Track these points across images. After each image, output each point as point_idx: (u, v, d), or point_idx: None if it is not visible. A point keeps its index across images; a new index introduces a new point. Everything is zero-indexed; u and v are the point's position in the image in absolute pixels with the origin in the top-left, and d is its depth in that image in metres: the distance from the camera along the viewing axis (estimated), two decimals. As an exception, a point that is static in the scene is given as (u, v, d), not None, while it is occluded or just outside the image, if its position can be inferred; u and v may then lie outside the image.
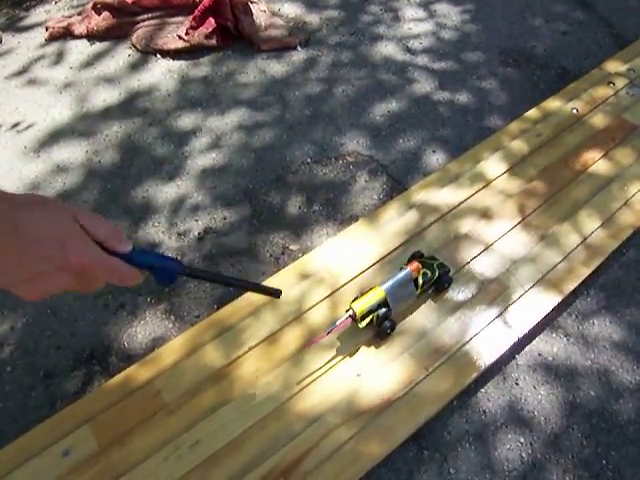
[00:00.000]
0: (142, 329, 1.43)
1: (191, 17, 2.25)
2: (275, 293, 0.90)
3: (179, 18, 2.37)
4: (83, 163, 1.87)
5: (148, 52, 2.29)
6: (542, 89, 2.19)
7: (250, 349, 1.29)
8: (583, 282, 1.45)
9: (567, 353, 1.36)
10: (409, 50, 2.41)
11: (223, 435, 1.16)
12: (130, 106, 2.08)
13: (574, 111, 1.92)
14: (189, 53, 2.29)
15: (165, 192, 1.77)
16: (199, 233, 1.66)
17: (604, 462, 1.19)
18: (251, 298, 1.39)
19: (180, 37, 2.26)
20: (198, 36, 2.25)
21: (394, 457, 1.19)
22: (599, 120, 1.88)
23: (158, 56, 2.28)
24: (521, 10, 2.65)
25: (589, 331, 1.41)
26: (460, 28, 2.56)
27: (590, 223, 1.54)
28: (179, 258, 1.59)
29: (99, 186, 1.79)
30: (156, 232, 1.65)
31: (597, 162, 1.73)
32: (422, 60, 2.35)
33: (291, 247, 1.63)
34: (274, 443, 1.15)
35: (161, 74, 2.21)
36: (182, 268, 0.69)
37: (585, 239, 1.50)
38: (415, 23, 2.57)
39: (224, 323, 1.34)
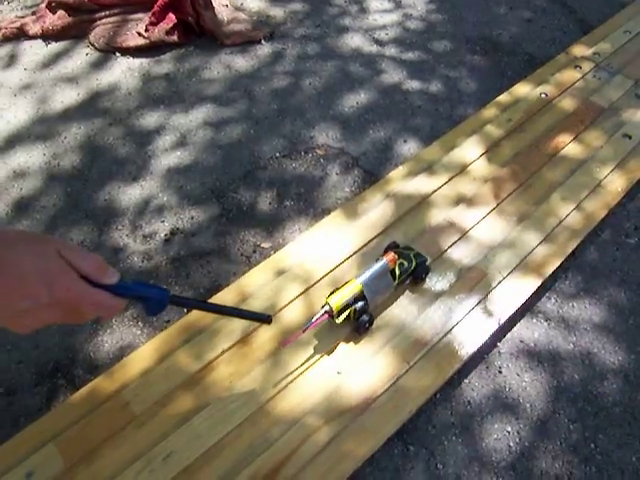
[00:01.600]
0: (109, 338, 1.35)
1: (150, 13, 2.16)
2: (265, 319, 0.92)
3: (138, 15, 2.27)
4: (41, 167, 1.76)
5: (107, 51, 2.18)
6: (510, 76, 2.17)
7: (223, 352, 1.22)
8: (560, 265, 1.43)
9: (549, 338, 1.33)
10: (376, 41, 2.36)
11: (198, 445, 1.09)
12: (90, 107, 1.98)
13: (543, 95, 1.90)
14: (150, 50, 2.20)
15: (128, 194, 1.68)
16: (166, 235, 1.58)
17: (592, 446, 1.16)
18: (223, 299, 1.32)
19: (140, 34, 2.16)
20: (158, 32, 2.17)
21: (379, 456, 1.14)
22: (568, 104, 1.87)
23: (117, 54, 2.18)
24: (485, 0, 2.64)
25: (569, 314, 1.38)
26: (426, 18, 2.53)
27: (565, 206, 1.52)
28: (145, 262, 1.51)
29: (59, 190, 1.69)
30: (120, 236, 1.57)
31: (568, 145, 1.72)
32: (389, 51, 2.31)
33: (263, 245, 1.56)
34: (252, 450, 1.08)
35: (121, 73, 2.11)
36: (168, 297, 0.69)
37: (561, 222, 1.48)
38: (381, 14, 2.53)
39: (195, 326, 1.26)
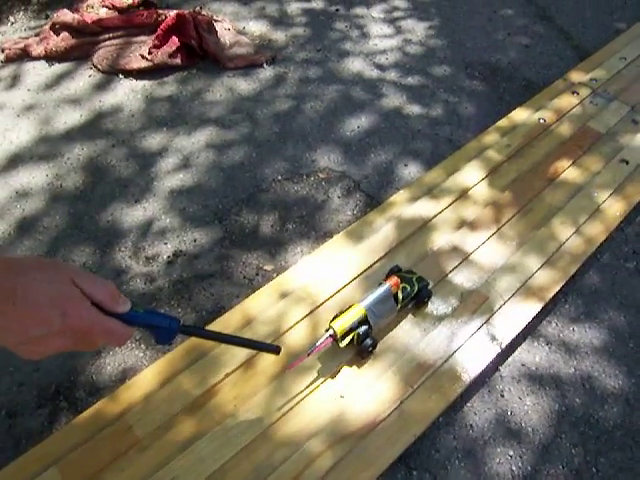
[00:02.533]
0: (111, 360, 1.37)
1: (154, 36, 2.23)
2: (274, 350, 0.96)
3: (142, 37, 2.35)
4: (44, 188, 1.80)
5: (110, 72, 2.25)
6: (508, 101, 2.25)
7: (227, 376, 1.25)
8: (561, 289, 1.47)
9: (550, 362, 1.37)
10: (377, 65, 2.44)
11: (201, 469, 1.11)
12: (93, 128, 2.03)
13: (541, 121, 1.97)
14: (153, 73, 2.27)
15: (131, 215, 1.72)
16: (168, 257, 1.61)
17: (594, 470, 1.18)
18: (227, 321, 1.35)
19: (143, 56, 2.23)
20: (162, 55, 2.23)
21: (382, 480, 1.16)
22: (566, 129, 1.94)
23: (121, 76, 2.25)
24: (484, 25, 2.73)
25: (570, 338, 1.42)
26: (425, 43, 2.61)
27: (564, 230, 1.57)
28: (148, 284, 1.54)
29: (61, 211, 1.73)
30: (123, 257, 1.60)
31: (567, 170, 1.77)
32: (390, 75, 2.39)
33: (265, 267, 1.60)
34: (256, 475, 1.10)
35: (124, 94, 2.18)
36: (178, 326, 0.71)
37: (561, 246, 1.53)
38: (381, 39, 2.61)
39: (198, 349, 1.29)
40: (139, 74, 2.25)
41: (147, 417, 1.17)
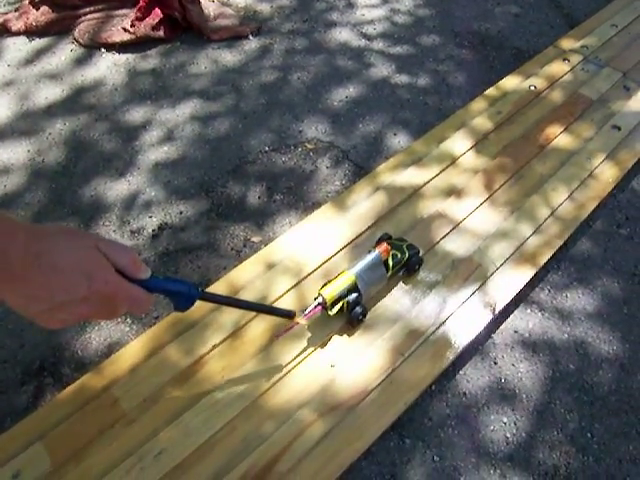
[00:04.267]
0: (96, 335, 1.32)
1: (136, 8, 2.12)
2: (289, 314, 1.03)
3: (123, 10, 2.24)
4: (25, 164, 1.72)
5: (92, 46, 2.15)
6: (498, 69, 2.17)
7: (214, 347, 1.19)
8: (553, 256, 1.42)
9: (543, 328, 1.33)
10: (364, 36, 2.35)
11: (189, 442, 1.06)
12: (74, 103, 1.94)
13: (532, 88, 1.90)
14: (135, 46, 2.17)
15: (115, 189, 1.65)
16: (154, 230, 1.55)
17: (589, 435, 1.15)
18: (214, 292, 1.29)
19: (125, 29, 2.13)
20: (144, 28, 2.13)
21: (374, 449, 1.12)
22: (557, 96, 1.87)
23: (103, 50, 2.15)
24: (473, -6, 2.64)
25: (563, 304, 1.38)
26: (414, 13, 2.52)
27: (557, 196, 1.52)
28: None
29: (43, 187, 1.65)
30: (107, 231, 1.53)
31: (558, 137, 1.71)
32: (378, 45, 2.30)
33: (253, 239, 1.54)
34: (246, 446, 1.06)
35: (107, 68, 2.08)
36: (198, 292, 0.72)
37: (553, 212, 1.48)
38: (369, 9, 2.52)
39: (185, 321, 1.24)
40: (121, 47, 2.15)
41: (133, 390, 1.12)
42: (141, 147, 1.79)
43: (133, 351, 1.19)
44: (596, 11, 2.38)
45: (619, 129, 1.72)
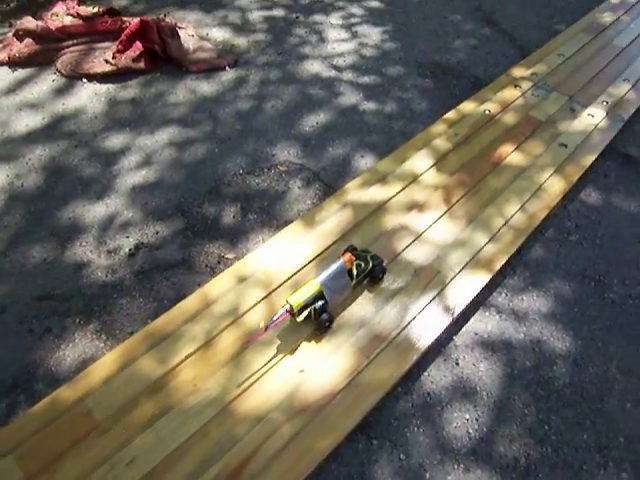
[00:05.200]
0: (71, 352, 1.31)
1: (118, 41, 2.18)
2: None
3: (105, 44, 2.30)
4: (4, 188, 1.73)
5: (73, 77, 2.19)
6: (458, 96, 2.26)
7: (187, 357, 1.20)
8: (509, 262, 1.48)
9: (501, 329, 1.37)
10: (334, 67, 2.44)
11: (162, 448, 1.06)
12: (55, 130, 1.96)
13: (487, 112, 1.99)
14: (116, 76, 2.22)
15: (93, 212, 1.67)
16: (130, 249, 1.56)
17: (546, 427, 1.18)
18: (187, 306, 1.31)
19: (107, 61, 2.18)
20: (125, 59, 2.19)
21: (343, 451, 1.13)
22: (509, 118, 1.96)
23: (84, 80, 2.19)
24: (435, 29, 2.77)
25: (519, 307, 1.42)
26: (380, 46, 2.63)
27: (510, 207, 1.58)
28: (109, 276, 1.48)
29: (22, 210, 1.66)
30: (84, 252, 1.54)
31: (511, 154, 1.79)
32: (347, 76, 2.39)
33: (227, 256, 1.56)
34: (217, 449, 1.06)
35: (87, 97, 2.12)
36: None
37: (507, 222, 1.54)
38: (339, 43, 2.62)
39: (159, 333, 1.24)
40: (102, 78, 2.20)
41: (107, 401, 1.12)
42: (119, 171, 1.81)
43: (107, 363, 1.19)
44: (545, 42, 2.52)
45: (566, 146, 1.81)
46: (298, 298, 1.18)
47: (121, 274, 1.49)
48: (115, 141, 1.94)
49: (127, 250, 1.56)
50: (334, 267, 1.24)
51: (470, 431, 1.18)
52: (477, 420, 1.19)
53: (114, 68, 2.20)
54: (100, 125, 2.00)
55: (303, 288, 1.20)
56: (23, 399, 1.21)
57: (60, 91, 2.14)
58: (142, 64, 2.24)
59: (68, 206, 1.68)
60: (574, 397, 1.23)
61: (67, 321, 1.37)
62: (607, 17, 2.70)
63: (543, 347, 1.33)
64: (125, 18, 2.41)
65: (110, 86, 2.19)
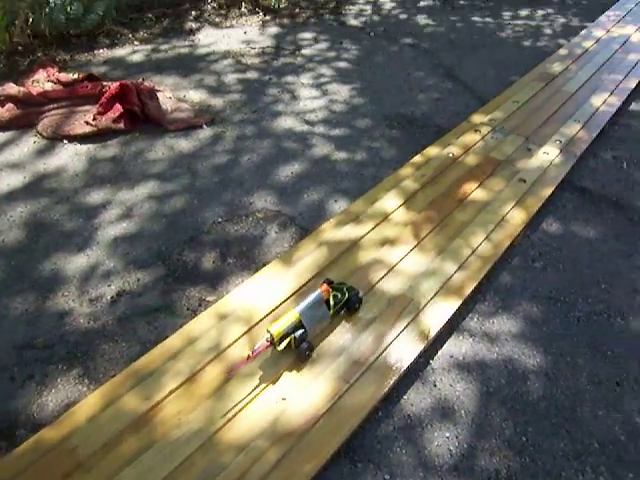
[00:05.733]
0: (54, 397, 1.36)
1: (98, 104, 2.37)
2: None
3: (86, 107, 2.49)
4: (-14, 246, 1.83)
5: (54, 138, 2.35)
6: (423, 143, 2.48)
7: (171, 392, 1.27)
8: (479, 289, 1.61)
9: (475, 351, 1.47)
10: (307, 122, 2.66)
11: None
12: (36, 188, 2.09)
13: (450, 155, 2.20)
14: (97, 137, 2.39)
15: (75, 263, 1.76)
16: (112, 297, 1.65)
17: (524, 439, 1.26)
18: (170, 345, 1.39)
19: (88, 122, 2.36)
20: (106, 120, 2.37)
21: (329, 475, 1.19)
22: (471, 159, 2.17)
23: (65, 141, 2.35)
24: (400, 85, 3.06)
25: (490, 329, 1.54)
26: (350, 102, 2.88)
27: (476, 238, 1.73)
28: (91, 323, 1.56)
29: (3, 264, 1.75)
30: (66, 301, 1.63)
31: (474, 191, 1.98)
32: (319, 129, 2.61)
33: (208, 298, 1.66)
34: (204, 478, 1.11)
35: (68, 157, 2.27)
36: None
37: (474, 251, 1.68)
38: (310, 100, 2.87)
39: (142, 371, 1.32)
40: (83, 139, 2.37)
41: (92, 437, 1.17)
42: (100, 224, 1.93)
43: (91, 402, 1.25)
44: (501, 92, 2.81)
45: (525, 181, 2.01)
46: (278, 327, 1.28)
47: (103, 320, 1.57)
48: (96, 196, 2.07)
49: (109, 298, 1.64)
50: (312, 297, 1.35)
51: (451, 448, 1.25)
52: (457, 437, 1.27)
53: (95, 129, 2.38)
54: (81, 182, 2.14)
55: (283, 318, 1.30)
56: (4, 445, 1.25)
57: (41, 152, 2.29)
58: (122, 124, 2.43)
59: (50, 258, 1.78)
60: (548, 409, 1.33)
61: (49, 368, 1.43)
62: (556, 67, 3.03)
63: (515, 365, 1.44)
64: (105, 83, 2.62)
65: (90, 146, 2.36)
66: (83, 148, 2.34)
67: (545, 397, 1.35)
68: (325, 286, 1.39)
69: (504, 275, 1.72)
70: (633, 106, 2.83)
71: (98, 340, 1.51)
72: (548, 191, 1.97)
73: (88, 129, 2.37)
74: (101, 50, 3.31)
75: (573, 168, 2.15)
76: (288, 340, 1.29)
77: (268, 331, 1.28)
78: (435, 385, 1.39)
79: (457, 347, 1.48)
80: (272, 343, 1.28)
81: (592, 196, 2.10)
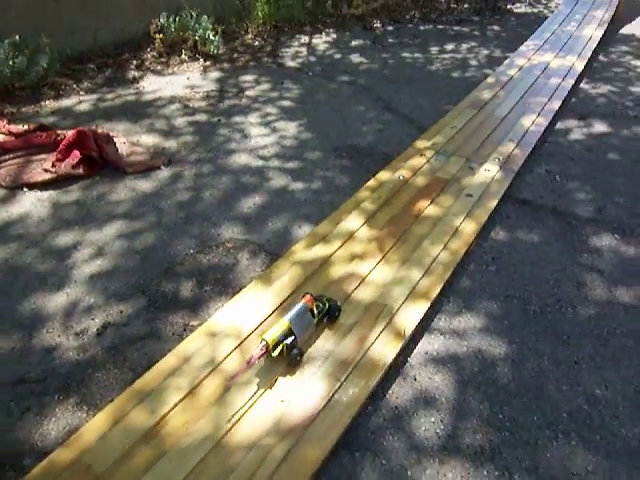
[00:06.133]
0: (54, 425, 1.43)
1: (56, 151, 2.47)
2: None
3: (42, 156, 2.58)
4: (-45, 295, 1.87)
5: (14, 187, 2.42)
6: (372, 170, 2.75)
7: (175, 405, 1.38)
8: (443, 293, 1.84)
9: (446, 346, 1.69)
10: (261, 157, 2.88)
11: (165, 487, 1.21)
12: (2, 235, 2.15)
13: (401, 177, 2.47)
14: (57, 183, 2.48)
15: (54, 301, 1.84)
16: (97, 329, 1.74)
17: (501, 416, 1.47)
18: (165, 365, 1.50)
19: (46, 170, 2.45)
20: (65, 167, 2.47)
21: (331, 466, 1.34)
22: (421, 180, 2.46)
23: (25, 189, 2.42)
24: (343, 119, 3.36)
25: (458, 327, 1.76)
26: (298, 137, 3.14)
27: (435, 248, 1.98)
28: (81, 355, 1.64)
29: (-21, 310, 1.80)
30: (52, 337, 1.70)
31: (428, 208, 2.25)
32: (273, 163, 2.83)
33: (192, 323, 1.79)
34: (218, 479, 1.22)
35: (31, 204, 2.35)
36: None
37: (434, 259, 1.93)
38: (261, 137, 3.10)
39: (144, 390, 1.42)
40: (43, 186, 2.45)
41: (104, 454, 1.26)
42: (74, 264, 2.02)
43: (99, 422, 1.34)
44: (438, 120, 3.17)
45: (471, 196, 2.31)
46: (272, 334, 1.43)
47: (92, 352, 1.65)
48: (65, 239, 2.16)
49: (94, 330, 1.73)
50: (298, 307, 1.53)
51: (438, 431, 1.44)
52: (442, 421, 1.46)
53: (54, 176, 2.47)
54: (48, 226, 2.22)
55: (275, 326, 1.46)
56: (12, 476, 1.30)
57: (2, 201, 2.35)
58: (81, 170, 2.54)
59: (28, 299, 1.84)
60: (519, 389, 1.55)
61: (46, 399, 1.50)
62: (486, 94, 3.46)
63: (484, 355, 1.66)
64: (59, 131, 2.73)
65: (52, 192, 2.45)
66: (44, 195, 2.42)
67: (514, 380, 1.58)
68: (309, 296, 1.57)
69: (463, 279, 1.97)
70: (559, 125, 3.29)
71: (90, 369, 1.59)
72: (493, 203, 2.27)
73: (48, 176, 2.46)
74: (47, 101, 3.41)
75: (512, 182, 2.49)
76: (281, 347, 1.45)
77: (263, 339, 1.43)
78: (415, 379, 1.58)
79: (430, 344, 1.69)
80: (267, 350, 1.43)
81: (532, 206, 2.44)
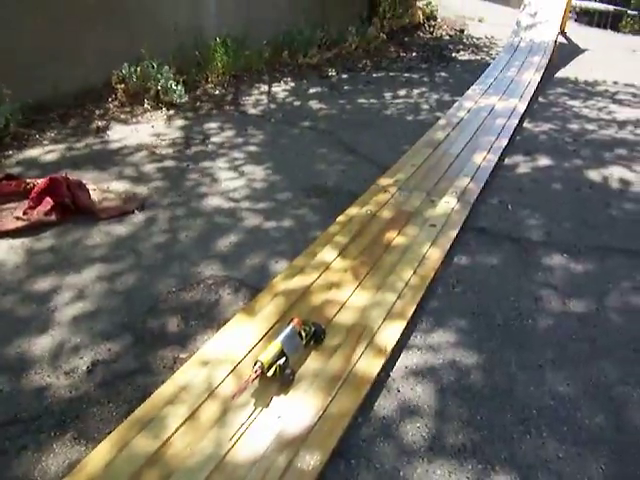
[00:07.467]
0: (53, 461, 1.50)
1: (29, 199, 2.58)
2: None
3: (12, 204, 2.67)
4: None
5: (-16, 237, 2.49)
6: (341, 207, 2.98)
7: (177, 429, 1.49)
8: (415, 313, 2.04)
9: (424, 360, 1.88)
10: (232, 199, 3.07)
11: (174, 504, 1.31)
12: (-24, 285, 2.22)
13: (368, 212, 2.71)
14: (29, 231, 2.56)
15: (40, 343, 1.92)
16: (87, 367, 1.82)
17: (479, 418, 1.66)
18: (163, 392, 1.61)
19: (18, 218, 2.54)
20: (37, 214, 2.57)
21: (329, 474, 1.47)
22: (387, 214, 2.70)
23: (-3, 238, 2.50)
24: (308, 162, 3.62)
25: (432, 342, 1.96)
26: (267, 179, 3.36)
27: (405, 274, 2.20)
28: (73, 392, 1.73)
29: (-37, 357, 1.85)
30: (41, 377, 1.77)
31: (396, 238, 2.48)
32: (245, 205, 3.02)
33: (181, 356, 1.90)
34: (225, 492, 1.34)
35: (4, 252, 2.42)
36: None
37: (406, 284, 2.14)
38: (231, 181, 3.30)
39: (144, 419, 1.52)
40: (15, 233, 2.53)
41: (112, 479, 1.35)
42: (56, 307, 2.11)
43: (103, 451, 1.43)
44: (398, 159, 3.47)
45: (435, 226, 2.56)
46: (267, 355, 1.58)
47: (85, 388, 1.74)
48: (43, 284, 2.24)
49: (84, 368, 1.82)
50: (288, 329, 1.69)
51: (423, 434, 1.60)
52: (426, 426, 1.63)
53: (26, 223, 2.57)
54: (24, 273, 2.30)
55: (268, 348, 1.61)
56: (18, 511, 1.37)
57: (-25, 250, 2.42)
58: (54, 217, 2.64)
59: (12, 343, 1.91)
60: (492, 392, 1.75)
61: (42, 436, 1.57)
62: (440, 134, 3.83)
63: (459, 365, 1.86)
64: (29, 180, 2.84)
65: (25, 240, 2.53)
66: (17, 242, 2.51)
67: (487, 385, 1.78)
68: (297, 319, 1.73)
69: (433, 300, 2.18)
70: (507, 160, 3.67)
71: (84, 405, 1.68)
72: (454, 232, 2.53)
73: (20, 224, 2.55)
74: (11, 152, 3.50)
75: (470, 213, 2.77)
76: (275, 368, 1.60)
77: (258, 360, 1.57)
78: (399, 391, 1.75)
79: (409, 359, 1.88)
80: (262, 371, 1.57)
81: (489, 233, 2.72)
